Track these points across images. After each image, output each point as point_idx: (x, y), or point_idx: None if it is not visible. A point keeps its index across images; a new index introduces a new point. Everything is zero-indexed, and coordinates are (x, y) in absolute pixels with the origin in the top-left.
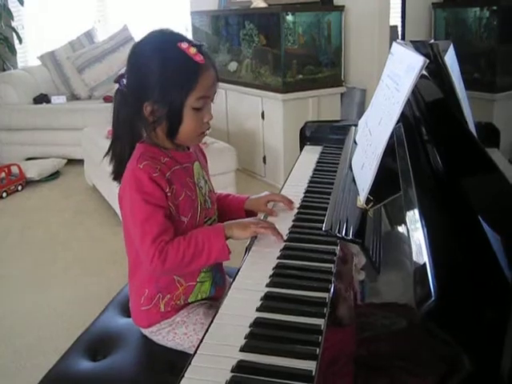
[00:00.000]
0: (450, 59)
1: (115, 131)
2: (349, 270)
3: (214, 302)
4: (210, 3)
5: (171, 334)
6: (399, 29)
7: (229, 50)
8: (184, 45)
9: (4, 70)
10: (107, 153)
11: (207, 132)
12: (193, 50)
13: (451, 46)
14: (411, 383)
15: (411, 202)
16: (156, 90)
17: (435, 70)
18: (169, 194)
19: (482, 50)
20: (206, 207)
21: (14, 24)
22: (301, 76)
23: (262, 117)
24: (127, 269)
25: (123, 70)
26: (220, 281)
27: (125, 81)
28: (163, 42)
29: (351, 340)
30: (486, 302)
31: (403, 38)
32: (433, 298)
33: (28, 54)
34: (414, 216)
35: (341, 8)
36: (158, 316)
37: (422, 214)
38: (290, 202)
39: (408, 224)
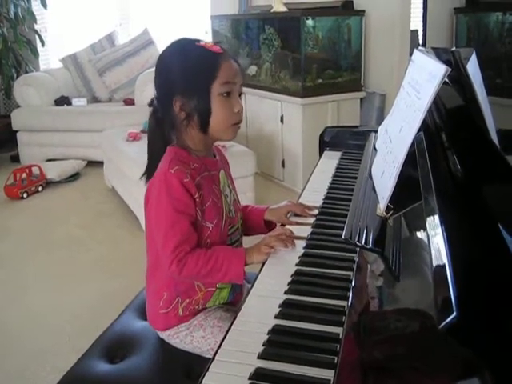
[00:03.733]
0: (473, 67)
1: (151, 153)
2: (368, 278)
3: (230, 306)
4: (230, 7)
5: (189, 337)
6: (420, 33)
7: (248, 54)
8: (202, 42)
9: (26, 72)
10: (144, 174)
11: (239, 126)
12: (210, 43)
13: (474, 54)
14: None
15: (432, 210)
16: (180, 83)
17: (456, 78)
18: (197, 200)
19: (505, 55)
20: (230, 216)
21: (36, 27)
22: (320, 80)
23: (282, 121)
24: (145, 271)
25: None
26: (238, 287)
27: (155, 99)
28: (183, 44)
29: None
30: (510, 316)
31: (424, 43)
32: (454, 314)
33: (50, 57)
34: (434, 225)
35: (361, 12)
36: (175, 319)
37: (443, 223)
38: (310, 211)
39: (428, 233)
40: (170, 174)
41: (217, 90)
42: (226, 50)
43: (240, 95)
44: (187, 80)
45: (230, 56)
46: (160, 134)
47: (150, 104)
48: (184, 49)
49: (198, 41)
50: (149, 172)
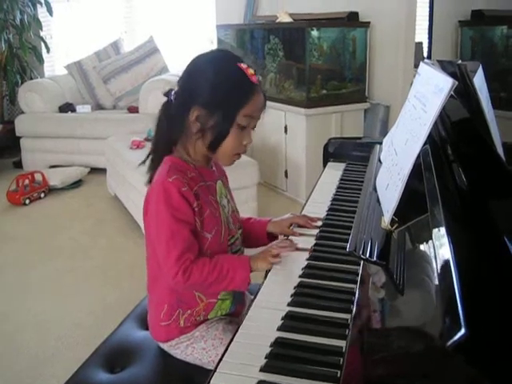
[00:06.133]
0: (479, 81)
1: (156, 143)
2: (371, 291)
3: (233, 317)
4: (235, 17)
5: (190, 348)
6: (424, 45)
7: (253, 64)
8: (243, 65)
9: (31, 78)
10: (143, 162)
11: (239, 156)
12: (251, 71)
13: (480, 68)
14: None
15: (438, 224)
16: (207, 95)
17: (463, 91)
18: (196, 209)
19: (510, 68)
20: (228, 227)
21: (42, 33)
22: (325, 91)
23: (285, 131)
24: (146, 281)
25: (173, 86)
26: (240, 298)
27: (173, 93)
28: (223, 58)
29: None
30: None
31: (429, 56)
32: (463, 331)
33: (55, 63)
34: (440, 238)
35: (366, 24)
36: (176, 331)
37: (450, 237)
38: (314, 222)
39: (434, 247)
40: (167, 182)
41: (239, 120)
42: (261, 82)
43: (254, 128)
44: (215, 96)
45: (261, 88)
46: (168, 129)
47: (166, 94)
48: (222, 63)
49: (240, 61)
50: (151, 164)
